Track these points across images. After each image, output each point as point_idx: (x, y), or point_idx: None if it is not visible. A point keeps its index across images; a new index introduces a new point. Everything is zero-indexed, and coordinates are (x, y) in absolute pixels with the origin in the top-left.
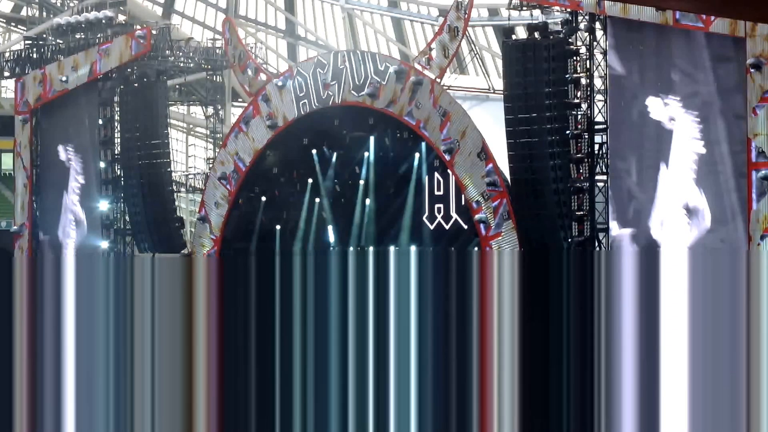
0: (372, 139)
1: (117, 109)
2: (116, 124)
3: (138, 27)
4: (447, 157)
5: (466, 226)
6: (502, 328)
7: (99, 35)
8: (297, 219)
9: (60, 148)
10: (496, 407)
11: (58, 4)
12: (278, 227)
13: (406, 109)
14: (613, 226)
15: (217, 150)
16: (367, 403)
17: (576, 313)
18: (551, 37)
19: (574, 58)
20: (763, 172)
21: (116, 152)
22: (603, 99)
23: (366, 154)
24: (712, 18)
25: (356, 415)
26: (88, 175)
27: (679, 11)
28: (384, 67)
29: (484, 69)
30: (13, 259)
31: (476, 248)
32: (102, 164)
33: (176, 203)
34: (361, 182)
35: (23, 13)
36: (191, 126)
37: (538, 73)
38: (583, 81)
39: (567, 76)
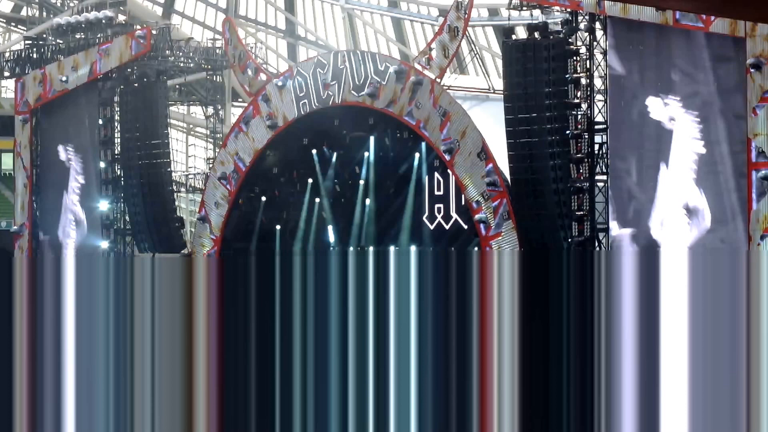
0: (372, 139)
1: (117, 109)
2: (116, 124)
3: (138, 27)
4: (447, 157)
5: (466, 226)
6: (502, 328)
7: (99, 35)
8: (297, 219)
9: (60, 148)
10: (496, 407)
11: (58, 4)
12: (278, 227)
13: (406, 109)
14: (613, 226)
15: (217, 150)
16: (367, 403)
17: (576, 313)
18: (551, 37)
19: (574, 58)
20: (763, 172)
21: (116, 152)
22: (603, 99)
23: (366, 154)
24: (712, 18)
25: (356, 415)
26: (88, 175)
27: (679, 11)
28: (384, 67)
29: (484, 69)
30: (13, 259)
31: (476, 248)
32: (102, 164)
33: (176, 203)
34: (361, 182)
35: (23, 13)
36: (191, 126)
37: (538, 73)
38: (583, 81)
39: (567, 76)
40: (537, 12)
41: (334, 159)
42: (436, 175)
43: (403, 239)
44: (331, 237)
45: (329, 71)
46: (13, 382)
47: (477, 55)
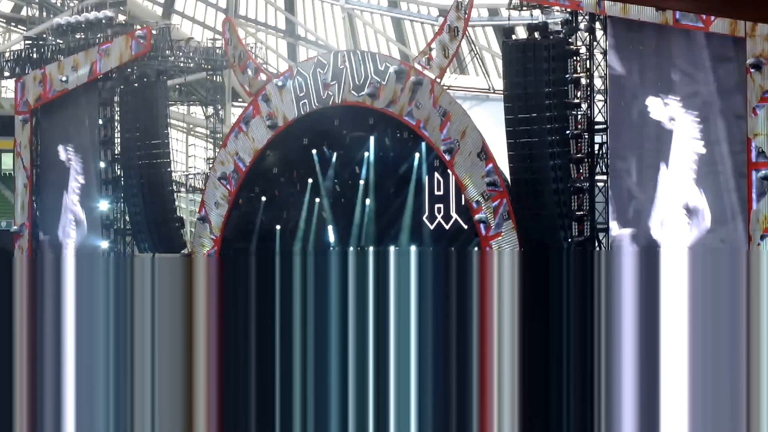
0: (372, 139)
1: (117, 109)
2: (116, 124)
3: (138, 27)
4: (447, 157)
5: (466, 226)
6: (502, 328)
7: (99, 35)
8: (297, 219)
9: (60, 148)
10: (496, 407)
11: (58, 4)
12: (278, 227)
13: (406, 109)
14: (613, 226)
15: (217, 150)
16: (367, 403)
17: (576, 313)
18: (551, 37)
19: (574, 58)
20: (763, 172)
21: (116, 152)
22: (603, 99)
23: (366, 154)
24: (712, 18)
25: (356, 415)
26: (88, 175)
27: (679, 11)
28: (384, 67)
29: (484, 69)
30: (13, 259)
31: (476, 248)
32: (102, 164)
33: (176, 203)
34: (361, 182)
35: (23, 13)
36: (191, 126)
37: (538, 73)
38: (583, 81)
39: (567, 76)
40: (537, 12)
41: (334, 159)
42: (436, 175)
43: (403, 239)
44: (331, 237)
45: (329, 71)
46: (14, 381)
47: (477, 55)
